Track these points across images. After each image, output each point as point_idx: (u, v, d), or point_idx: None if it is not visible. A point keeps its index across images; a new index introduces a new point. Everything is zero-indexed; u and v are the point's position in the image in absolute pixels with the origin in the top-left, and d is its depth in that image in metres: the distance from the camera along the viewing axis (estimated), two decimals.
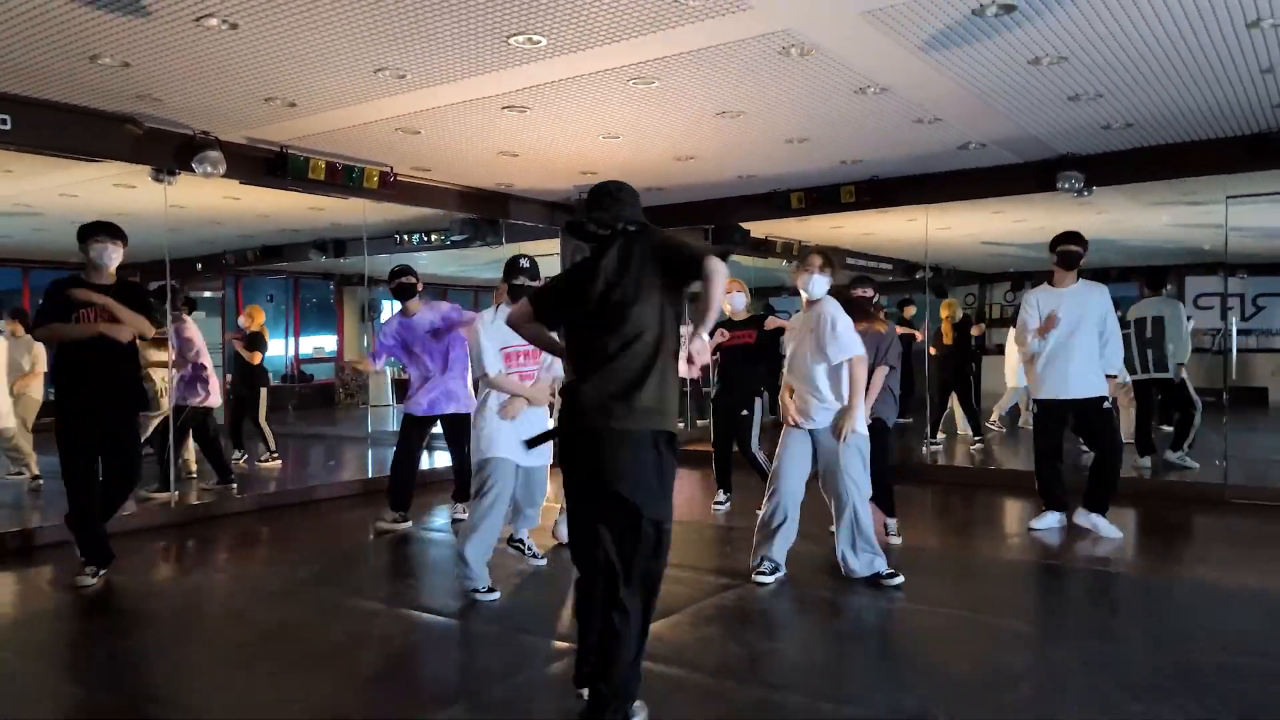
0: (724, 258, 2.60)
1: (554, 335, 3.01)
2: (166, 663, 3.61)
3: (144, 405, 4.83)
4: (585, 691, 2.74)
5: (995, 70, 4.68)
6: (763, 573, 4.35)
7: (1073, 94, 5.11)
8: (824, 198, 7.65)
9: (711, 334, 6.05)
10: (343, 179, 6.54)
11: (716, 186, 7.79)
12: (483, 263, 9.98)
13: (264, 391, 8.23)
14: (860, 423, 4.30)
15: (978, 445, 8.74)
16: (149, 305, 4.62)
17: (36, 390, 7.21)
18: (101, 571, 4.53)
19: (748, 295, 6.17)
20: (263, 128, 5.75)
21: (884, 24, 4.03)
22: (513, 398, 4.19)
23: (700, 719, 2.89)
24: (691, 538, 5.50)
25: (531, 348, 4.13)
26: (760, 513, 4.48)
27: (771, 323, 5.99)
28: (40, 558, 4.99)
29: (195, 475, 7.32)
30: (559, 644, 3.66)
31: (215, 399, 6.84)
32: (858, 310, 4.88)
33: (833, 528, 5.37)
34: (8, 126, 4.94)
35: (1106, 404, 5.36)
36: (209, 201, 7.28)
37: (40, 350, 7.10)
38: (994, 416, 9.69)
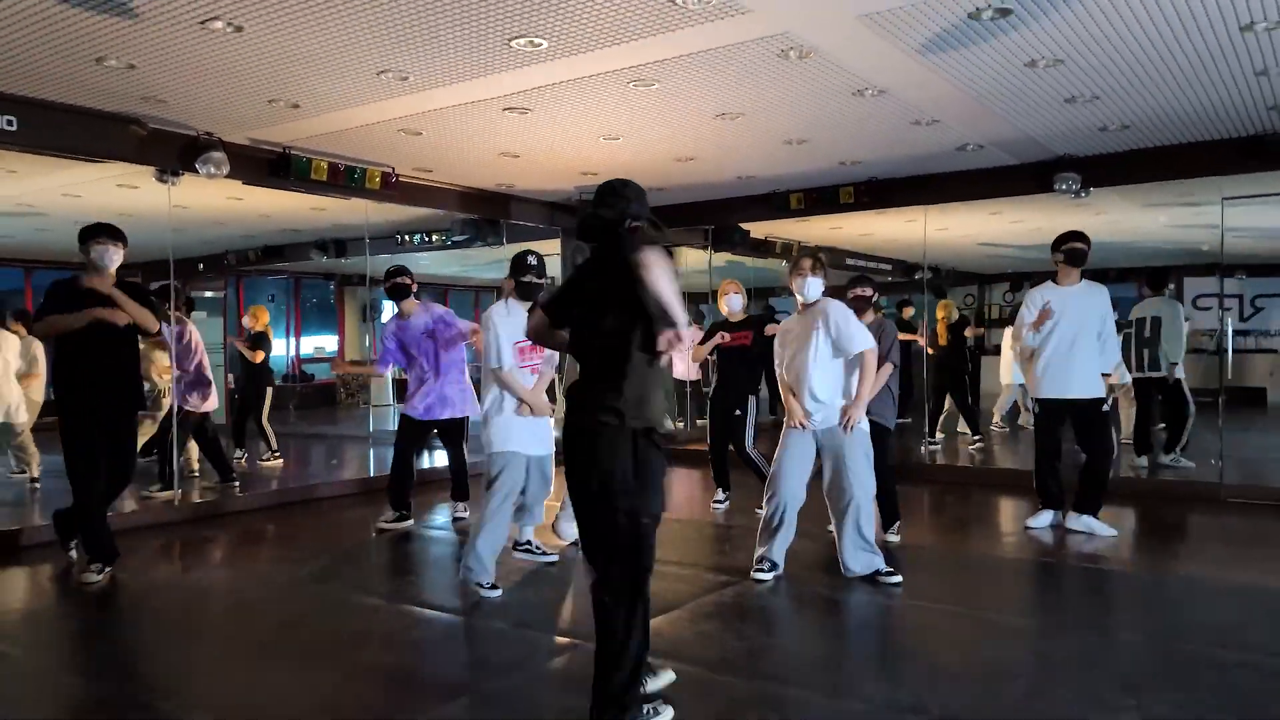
0: (655, 243, 2.54)
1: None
2: (172, 657, 3.66)
3: (142, 404, 4.87)
4: None
5: (992, 73, 4.72)
6: (761, 570, 4.40)
7: (1069, 96, 5.15)
8: (823, 198, 7.70)
9: (710, 335, 6.14)
10: (345, 179, 6.58)
11: (716, 187, 7.84)
12: (484, 263, 10.04)
13: (269, 391, 8.27)
14: (863, 417, 4.37)
15: (977, 444, 8.79)
16: (152, 304, 4.67)
17: (37, 392, 7.24)
18: (107, 569, 4.57)
19: (744, 297, 6.21)
20: (266, 129, 5.80)
21: (881, 27, 4.07)
22: (523, 402, 4.25)
23: (700, 711, 2.92)
24: (691, 536, 5.54)
25: (526, 342, 4.23)
26: (761, 513, 4.52)
27: (771, 329, 6.04)
28: (44, 555, 5.02)
29: (197, 474, 7.37)
30: (561, 639, 3.71)
31: (213, 403, 6.87)
32: (857, 310, 4.95)
33: (831, 526, 5.43)
34: (13, 127, 4.99)
35: (1105, 406, 5.41)
36: (211, 202, 7.33)
37: (39, 351, 7.11)
38: (996, 418, 9.75)
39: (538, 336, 3.02)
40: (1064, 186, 6.57)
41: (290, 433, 9.87)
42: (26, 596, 4.59)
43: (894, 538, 5.14)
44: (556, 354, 4.42)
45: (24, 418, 6.94)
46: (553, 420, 4.49)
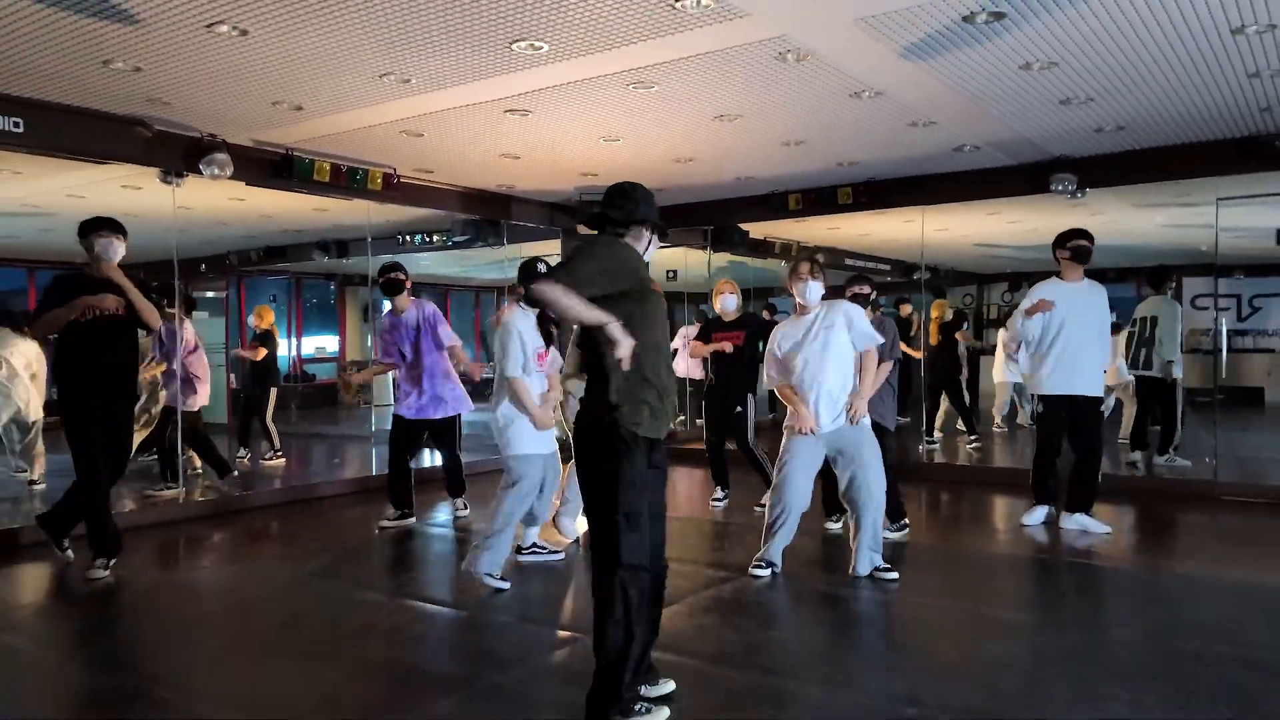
0: (566, 283, 2.58)
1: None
2: (177, 652, 3.71)
3: (136, 397, 4.94)
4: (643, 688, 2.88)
5: (987, 75, 4.78)
6: (759, 567, 4.45)
7: (1064, 98, 5.21)
8: (821, 199, 7.76)
9: (707, 337, 6.17)
10: (347, 180, 6.64)
11: (715, 188, 7.90)
12: (484, 263, 10.08)
13: (274, 391, 8.32)
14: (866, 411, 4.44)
15: (974, 443, 8.84)
16: (153, 301, 4.73)
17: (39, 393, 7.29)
18: (112, 563, 4.63)
19: (739, 297, 6.26)
20: (269, 130, 5.86)
21: (877, 30, 4.13)
22: (540, 408, 4.34)
23: (697, 703, 2.98)
24: (690, 533, 5.60)
25: (544, 349, 4.42)
26: (760, 511, 4.54)
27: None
28: (45, 554, 5.05)
29: (199, 472, 7.42)
30: (562, 634, 3.76)
31: (200, 401, 6.88)
32: None
33: (828, 524, 5.49)
34: (20, 129, 5.05)
35: (1103, 406, 5.46)
36: (215, 203, 7.38)
37: (35, 353, 7.12)
38: (996, 419, 9.80)
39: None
40: (1060, 187, 6.62)
41: (292, 432, 9.91)
42: (31, 593, 4.65)
43: (893, 536, 5.19)
44: (559, 359, 4.51)
45: (36, 416, 7.00)
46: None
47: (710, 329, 6.22)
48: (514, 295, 4.60)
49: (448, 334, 5.70)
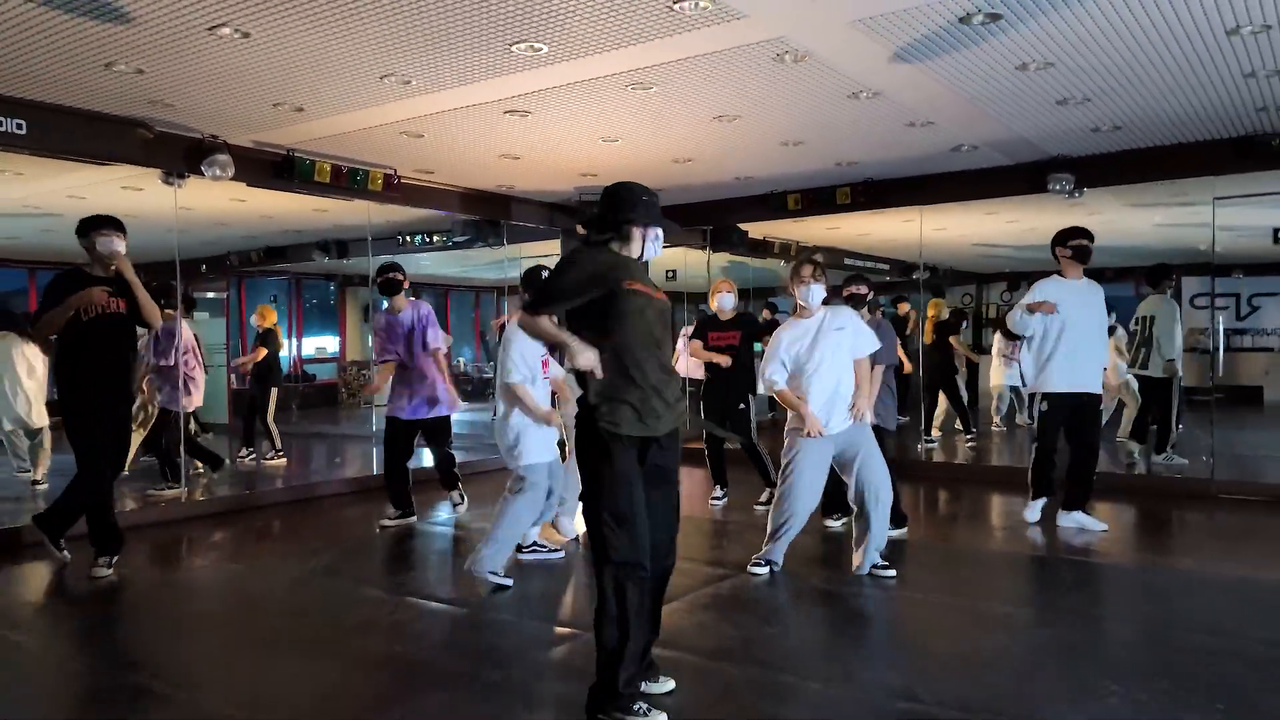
0: (529, 309, 2.81)
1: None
2: (181, 647, 3.75)
3: (133, 394, 5.00)
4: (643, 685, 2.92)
5: (984, 76, 4.81)
6: (759, 565, 4.48)
7: (1061, 98, 5.24)
8: (820, 199, 7.79)
9: (704, 335, 6.19)
10: (347, 181, 6.67)
11: (715, 188, 7.93)
12: (484, 263, 10.11)
13: (274, 391, 8.34)
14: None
15: (971, 442, 8.86)
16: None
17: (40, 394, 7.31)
18: (114, 561, 4.67)
19: (736, 296, 6.28)
20: (270, 131, 5.89)
21: (874, 32, 4.16)
22: (553, 409, 4.40)
23: (695, 697, 3.01)
24: (689, 531, 5.57)
25: (547, 356, 4.46)
26: (765, 512, 4.54)
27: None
28: (47, 553, 5.10)
29: (200, 472, 7.45)
30: (561, 630, 3.79)
31: (196, 402, 6.86)
32: (852, 306, 5.04)
33: (829, 521, 5.52)
34: (23, 131, 5.08)
35: (1101, 404, 5.49)
36: (216, 204, 7.41)
37: (39, 357, 7.13)
38: (995, 419, 9.83)
39: None
40: (1058, 187, 6.65)
41: (293, 432, 9.94)
42: (35, 591, 4.68)
43: (893, 533, 5.21)
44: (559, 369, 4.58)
45: (44, 421, 7.03)
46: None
47: (707, 327, 6.24)
48: (517, 302, 4.64)
49: (435, 336, 5.73)
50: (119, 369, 4.67)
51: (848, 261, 10.61)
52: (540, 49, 4.31)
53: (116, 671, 3.48)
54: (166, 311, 6.49)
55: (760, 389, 4.48)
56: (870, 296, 5.26)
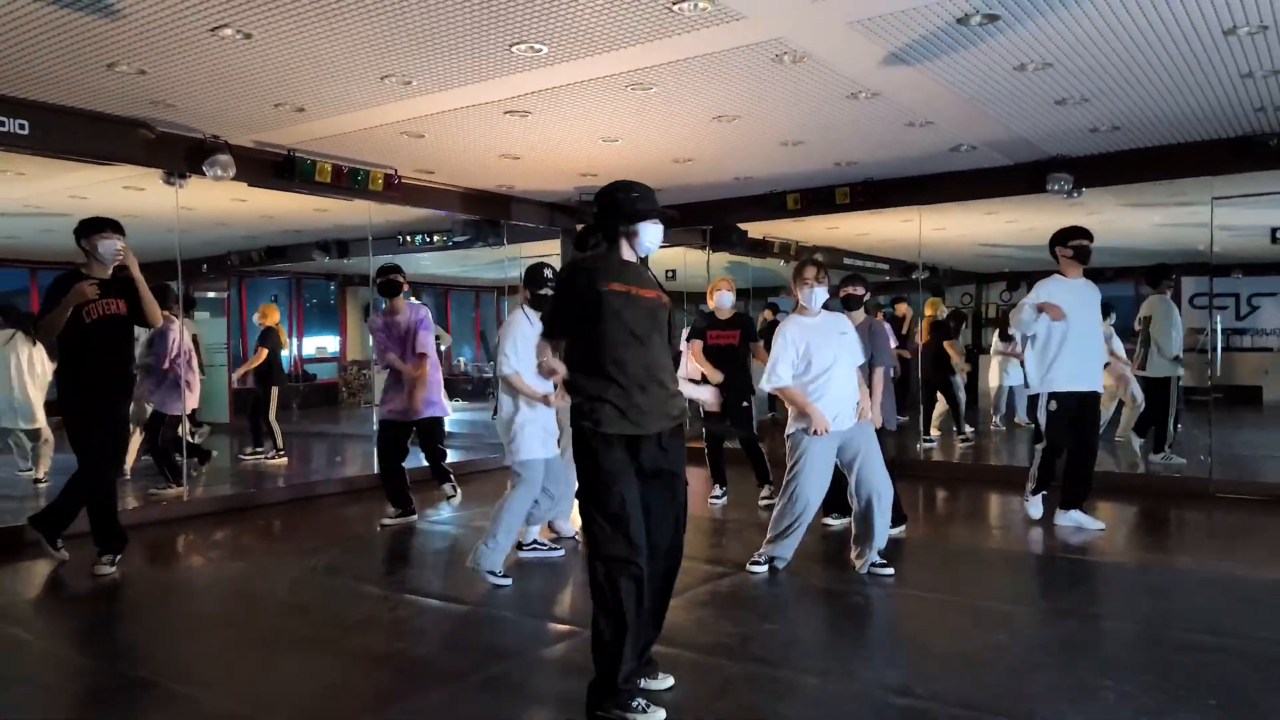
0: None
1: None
2: (183, 644, 3.77)
3: (131, 392, 5.03)
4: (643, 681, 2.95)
5: (982, 76, 4.83)
6: (757, 563, 4.50)
7: (1059, 98, 5.25)
8: (819, 199, 7.81)
9: (702, 334, 6.20)
10: (348, 181, 6.69)
11: (714, 188, 7.95)
12: (484, 263, 10.13)
13: (275, 390, 8.36)
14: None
15: (965, 441, 8.85)
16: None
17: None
18: (117, 559, 4.69)
19: (734, 294, 6.30)
20: (271, 131, 5.91)
21: (872, 32, 4.18)
22: (554, 392, 4.39)
23: (694, 692, 3.04)
24: (688, 529, 5.62)
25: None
26: (764, 504, 4.54)
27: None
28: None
29: (201, 473, 7.48)
30: (562, 627, 3.82)
31: (190, 404, 6.80)
32: (848, 307, 5.07)
33: (828, 520, 5.54)
34: (25, 131, 5.11)
35: (1100, 403, 5.50)
36: (216, 204, 7.43)
37: (40, 354, 7.13)
38: (995, 420, 9.85)
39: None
40: (1056, 187, 6.67)
41: (294, 431, 9.97)
42: (37, 588, 4.70)
43: (892, 531, 5.23)
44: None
45: (43, 422, 7.05)
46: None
47: (706, 326, 6.24)
48: (519, 298, 4.65)
49: (424, 342, 5.74)
50: (119, 370, 4.71)
51: (847, 261, 10.63)
52: (540, 49, 4.33)
53: (118, 669, 3.50)
54: (164, 312, 6.50)
55: (765, 386, 4.45)
56: (867, 297, 5.28)
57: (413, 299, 5.97)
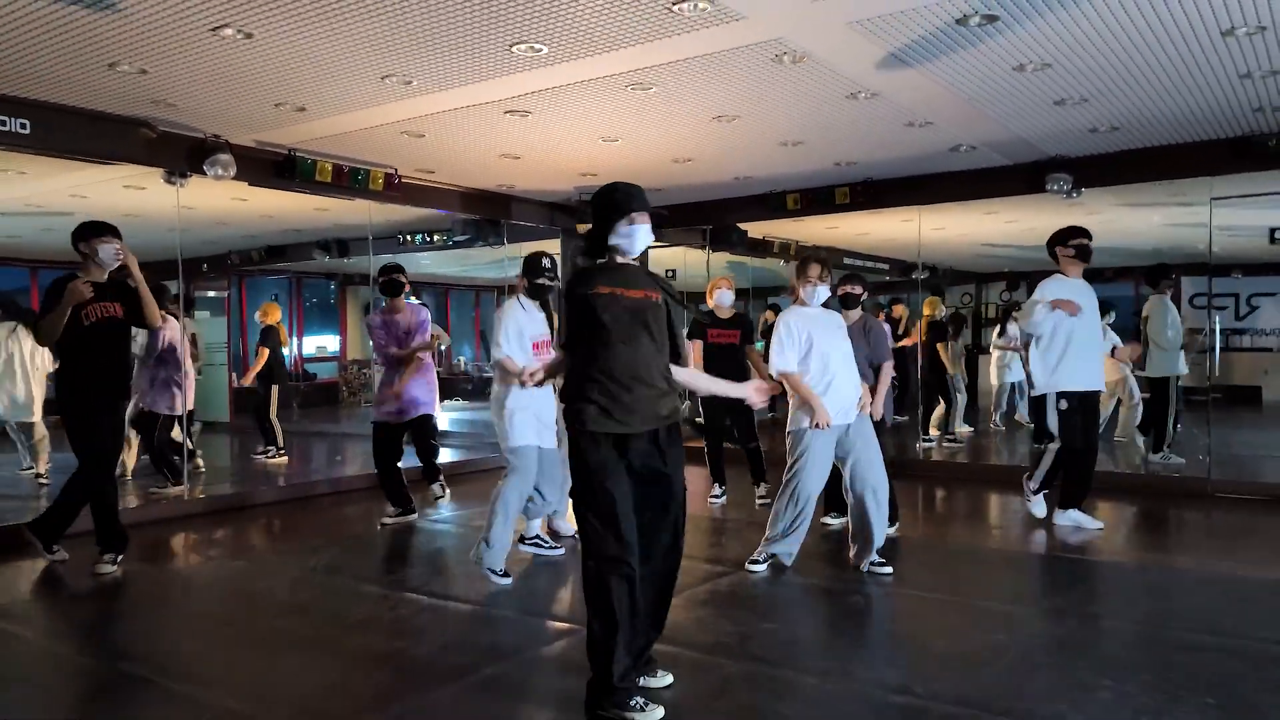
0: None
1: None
2: (184, 642, 3.78)
3: (129, 393, 5.04)
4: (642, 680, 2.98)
5: (981, 77, 4.84)
6: (757, 562, 4.51)
7: (1058, 99, 5.26)
8: (819, 199, 7.82)
9: (702, 333, 6.22)
10: (349, 181, 6.70)
11: (714, 188, 7.96)
12: (484, 263, 10.15)
13: (274, 389, 8.36)
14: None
15: (951, 441, 8.82)
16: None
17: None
18: (119, 558, 4.70)
19: (734, 293, 6.31)
20: (272, 131, 5.92)
21: (871, 33, 4.19)
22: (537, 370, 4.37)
23: (693, 690, 3.05)
24: (688, 529, 5.63)
25: (548, 338, 4.47)
26: (769, 508, 4.53)
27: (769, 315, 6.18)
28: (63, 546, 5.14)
29: (202, 469, 7.49)
30: (562, 625, 3.82)
31: (180, 407, 6.74)
32: (845, 305, 5.08)
33: (827, 519, 5.55)
34: (26, 130, 5.12)
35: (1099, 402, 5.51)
36: (217, 203, 7.44)
37: (40, 349, 7.16)
38: (994, 417, 9.86)
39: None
40: (1056, 187, 6.68)
41: (294, 430, 9.98)
42: (37, 587, 4.70)
43: (890, 531, 5.24)
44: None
45: (38, 417, 7.05)
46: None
47: (706, 325, 6.24)
48: (517, 288, 4.64)
49: (417, 341, 5.75)
50: (118, 371, 4.74)
51: (847, 261, 10.64)
52: (540, 49, 4.34)
53: (118, 667, 3.51)
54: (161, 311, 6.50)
55: (773, 368, 4.42)
56: (864, 296, 5.29)
57: (413, 299, 5.97)
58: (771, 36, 4.21)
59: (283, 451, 8.38)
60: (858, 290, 5.18)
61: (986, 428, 9.93)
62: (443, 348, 12.60)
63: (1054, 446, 5.44)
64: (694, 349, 6.21)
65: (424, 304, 6.21)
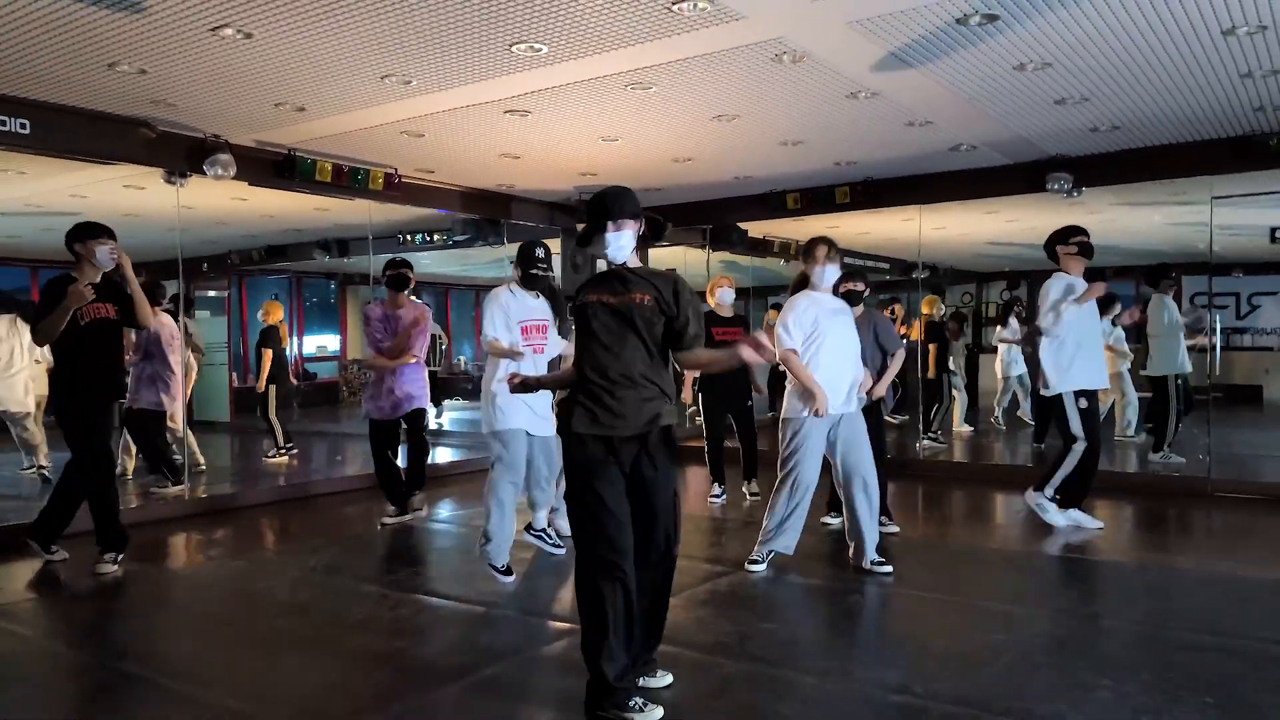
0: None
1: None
2: (184, 642, 3.78)
3: (122, 393, 5.05)
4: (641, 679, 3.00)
5: (982, 76, 4.83)
6: (756, 561, 4.51)
7: (1059, 98, 5.26)
8: (819, 198, 7.82)
9: (708, 334, 6.21)
10: (348, 180, 6.70)
11: (714, 187, 7.96)
12: (484, 262, 10.14)
13: (272, 388, 8.35)
14: None
15: (931, 438, 8.76)
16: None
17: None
18: (119, 557, 4.71)
19: (734, 291, 6.30)
20: (272, 131, 5.92)
21: (871, 33, 4.18)
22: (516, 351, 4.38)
23: (693, 690, 3.05)
24: (687, 528, 5.64)
25: (544, 322, 4.48)
26: (772, 503, 4.51)
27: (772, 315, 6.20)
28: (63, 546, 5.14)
29: (203, 468, 7.49)
30: (563, 625, 3.82)
31: (173, 403, 6.72)
32: (848, 302, 5.09)
33: (826, 518, 5.55)
34: (26, 130, 5.12)
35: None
36: (217, 203, 7.44)
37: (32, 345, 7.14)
38: (996, 412, 9.86)
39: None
40: (1056, 186, 6.67)
41: (294, 430, 9.96)
42: (38, 586, 4.70)
43: (892, 529, 5.24)
44: (563, 344, 4.58)
45: (30, 407, 7.04)
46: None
47: (709, 324, 6.23)
48: (514, 275, 4.62)
49: (419, 344, 5.74)
50: (112, 372, 4.76)
51: (847, 261, 10.58)
52: (540, 49, 4.34)
53: (118, 667, 3.51)
54: (155, 308, 6.49)
55: (778, 344, 4.39)
56: (866, 293, 5.29)
57: (414, 299, 5.97)
58: (771, 36, 4.21)
59: (284, 450, 8.36)
60: (860, 287, 5.18)
61: (987, 426, 9.93)
62: (442, 347, 12.61)
63: (1078, 448, 5.24)
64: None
65: (426, 304, 6.17)
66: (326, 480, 7.39)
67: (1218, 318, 8.45)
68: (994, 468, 7.99)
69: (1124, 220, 9.02)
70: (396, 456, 5.91)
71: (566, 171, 7.21)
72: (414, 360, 5.74)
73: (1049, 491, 5.36)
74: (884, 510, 5.21)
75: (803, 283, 4.52)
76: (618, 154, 6.55)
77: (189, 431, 7.03)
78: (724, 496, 6.43)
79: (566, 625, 3.81)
